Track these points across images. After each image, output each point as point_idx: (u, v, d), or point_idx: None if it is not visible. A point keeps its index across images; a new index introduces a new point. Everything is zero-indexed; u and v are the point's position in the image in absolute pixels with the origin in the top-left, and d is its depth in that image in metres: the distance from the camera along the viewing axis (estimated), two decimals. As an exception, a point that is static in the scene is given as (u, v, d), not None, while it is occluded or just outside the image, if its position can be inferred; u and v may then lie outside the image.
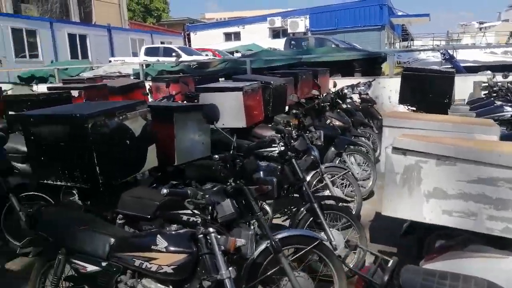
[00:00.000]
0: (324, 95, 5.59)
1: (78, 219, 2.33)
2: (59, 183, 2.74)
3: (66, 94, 5.05)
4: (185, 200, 1.82)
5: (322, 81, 6.91)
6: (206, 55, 15.49)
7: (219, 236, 1.86)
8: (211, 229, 1.86)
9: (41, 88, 9.04)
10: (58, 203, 3.29)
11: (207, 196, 1.92)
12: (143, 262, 1.94)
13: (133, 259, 1.97)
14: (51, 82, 10.68)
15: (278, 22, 21.27)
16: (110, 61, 15.22)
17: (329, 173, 3.76)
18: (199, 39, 23.56)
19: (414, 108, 5.21)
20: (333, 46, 13.00)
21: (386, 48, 20.62)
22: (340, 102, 5.09)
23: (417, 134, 2.39)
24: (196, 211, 1.86)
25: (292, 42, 15.74)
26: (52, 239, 2.26)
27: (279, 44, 17.44)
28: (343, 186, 3.97)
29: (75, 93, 5.41)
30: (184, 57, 13.67)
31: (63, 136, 2.56)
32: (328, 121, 4.77)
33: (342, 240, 2.97)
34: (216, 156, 2.28)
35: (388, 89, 7.44)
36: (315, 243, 2.38)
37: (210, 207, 1.92)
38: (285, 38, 17.42)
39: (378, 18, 21.05)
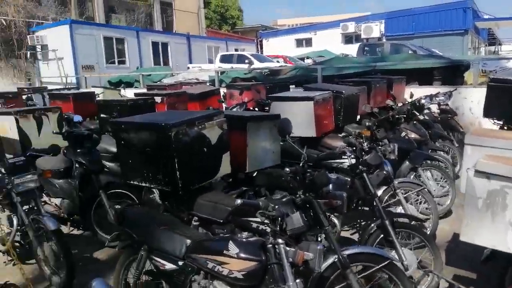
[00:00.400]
0: (399, 105, 5.36)
1: (159, 220, 2.54)
2: (143, 184, 3.00)
3: (151, 100, 5.50)
4: (257, 211, 1.90)
5: (397, 90, 6.63)
6: (278, 61, 15.69)
7: (288, 248, 1.91)
8: (280, 241, 1.91)
9: (128, 92, 9.89)
10: (142, 202, 3.60)
11: (277, 207, 1.99)
12: (215, 265, 2.04)
13: (207, 261, 2.08)
14: (136, 87, 11.63)
15: (351, 28, 20.73)
16: (188, 68, 16.12)
17: (403, 189, 3.61)
18: (271, 45, 23.93)
19: (501, 123, 4.76)
20: (410, 52, 12.37)
21: (470, 53, 19.04)
22: (417, 113, 4.85)
23: (504, 155, 2.21)
24: (265, 221, 1.93)
25: (366, 48, 15.25)
26: (136, 237, 2.47)
27: (352, 49, 17.05)
28: (417, 203, 3.78)
29: (158, 99, 5.86)
30: (256, 64, 14.01)
31: (149, 143, 2.80)
32: (403, 134, 4.57)
33: (414, 261, 2.84)
34: (287, 169, 2.34)
35: (469, 99, 6.88)
36: (385, 263, 2.32)
37: (280, 219, 1.98)
38: (359, 44, 16.97)
39: (461, 22, 19.48)
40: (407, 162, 4.16)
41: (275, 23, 39.71)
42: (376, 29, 19.68)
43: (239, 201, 1.87)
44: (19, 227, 3.34)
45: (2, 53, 15.67)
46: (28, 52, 16.33)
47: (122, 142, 3.02)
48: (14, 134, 4.36)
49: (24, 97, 9.42)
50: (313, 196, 2.34)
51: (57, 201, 4.04)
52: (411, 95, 5.58)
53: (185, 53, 20.34)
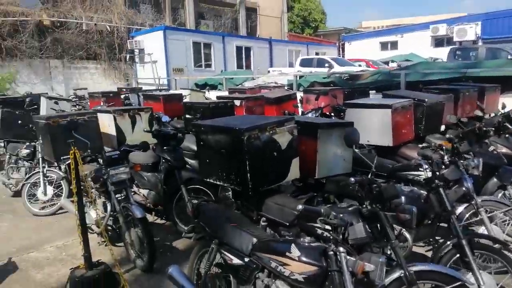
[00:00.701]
0: (490, 116, 4.91)
1: (230, 217, 2.71)
2: (218, 182, 3.23)
3: (230, 104, 5.81)
4: (317, 218, 1.95)
5: (490, 100, 6.04)
6: (359, 65, 15.25)
7: (348, 257, 1.93)
8: (341, 249, 1.94)
9: (212, 94, 10.44)
10: (216, 199, 3.86)
11: (340, 216, 2.02)
12: (278, 265, 2.14)
13: (270, 260, 2.19)
14: (219, 89, 12.26)
15: (442, 30, 19.11)
16: (268, 71, 16.49)
17: (487, 208, 3.34)
18: (353, 49, 23.28)
19: None
20: (509, 57, 11.11)
21: None
22: (510, 126, 4.39)
23: None
24: (328, 228, 1.97)
25: (458, 52, 14.00)
26: (209, 230, 2.68)
27: (442, 53, 15.85)
28: (504, 224, 3.46)
29: (237, 102, 6.17)
30: (336, 68, 13.77)
31: (224, 145, 3.01)
32: (492, 148, 4.19)
33: (493, 286, 2.63)
34: (352, 179, 2.34)
35: None
36: (456, 284, 2.20)
37: (342, 228, 2.01)
38: (450, 47, 15.66)
39: None
40: (495, 179, 3.82)
41: (360, 26, 38.58)
42: (471, 32, 17.86)
43: (300, 206, 1.95)
44: (111, 213, 3.80)
45: (106, 56, 17.65)
46: (127, 55, 18.12)
47: (202, 142, 3.28)
48: (112, 130, 4.96)
49: (122, 96, 10.56)
50: (380, 207, 2.32)
51: (144, 192, 4.49)
52: (503, 107, 5.07)
53: (266, 57, 20.78)
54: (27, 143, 5.84)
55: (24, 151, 5.75)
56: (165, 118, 5.70)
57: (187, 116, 5.92)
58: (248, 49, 20.04)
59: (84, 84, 15.54)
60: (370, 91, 7.83)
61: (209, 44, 18.49)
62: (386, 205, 2.33)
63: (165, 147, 4.37)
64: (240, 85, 11.84)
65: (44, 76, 15.60)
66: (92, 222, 3.86)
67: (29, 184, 5.31)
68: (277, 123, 3.03)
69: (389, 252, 2.51)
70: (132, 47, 17.60)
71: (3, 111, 6.07)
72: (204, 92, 10.61)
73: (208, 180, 3.33)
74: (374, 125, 4.43)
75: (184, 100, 8.13)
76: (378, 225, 2.32)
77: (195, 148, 4.83)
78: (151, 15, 20.03)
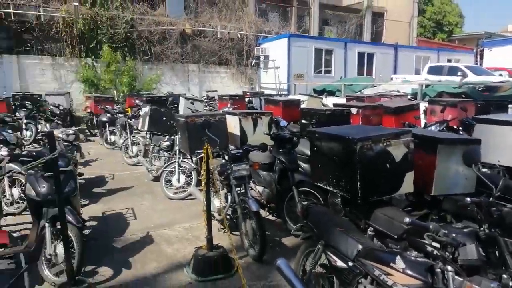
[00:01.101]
0: None
1: (337, 222, 2.85)
2: (327, 187, 3.38)
3: (347, 111, 5.86)
4: (425, 233, 1.96)
5: None
6: (500, 75, 13.41)
7: (456, 277, 1.90)
8: (449, 268, 1.92)
9: (329, 101, 10.53)
10: (325, 203, 4.00)
11: (452, 235, 1.99)
12: (381, 274, 2.20)
13: (374, 268, 2.27)
14: (337, 96, 12.25)
15: None
16: (391, 79, 15.72)
17: None
18: (494, 56, 20.41)
19: None
20: None
21: None
22: None
23: None
24: (435, 245, 1.97)
25: None
26: (317, 231, 2.85)
27: None
28: None
29: (354, 110, 6.17)
30: (471, 77, 12.37)
31: (337, 152, 3.14)
32: None
33: None
34: (468, 199, 2.25)
35: None
36: None
37: (453, 247, 1.98)
38: None
39: None
40: None
41: (505, 30, 33.59)
42: None
43: (407, 219, 1.98)
44: (231, 204, 4.28)
45: (235, 61, 19.18)
46: (253, 61, 19.37)
47: (315, 148, 3.47)
48: (236, 131, 5.51)
49: (246, 99, 11.43)
50: (499, 233, 2.19)
51: (260, 189, 4.90)
52: None
53: (390, 63, 19.78)
54: (168, 137, 6.88)
55: (165, 143, 6.79)
56: (283, 123, 6.05)
57: (303, 121, 6.16)
58: (370, 55, 19.40)
59: (215, 87, 17.25)
60: (510, 106, 6.93)
61: (331, 50, 18.51)
62: (507, 231, 2.18)
63: (281, 150, 4.69)
64: (359, 92, 11.63)
65: (183, 78, 17.79)
66: (215, 210, 4.38)
67: (166, 172, 6.23)
68: (392, 135, 3.04)
69: (510, 284, 2.33)
70: (259, 54, 18.72)
71: (152, 108, 7.24)
72: (322, 98, 10.73)
73: (318, 184, 3.50)
74: (507, 144, 4.03)
75: (302, 106, 8.41)
76: (495, 251, 2.20)
77: (308, 152, 5.05)
78: (278, 23, 20.99)
